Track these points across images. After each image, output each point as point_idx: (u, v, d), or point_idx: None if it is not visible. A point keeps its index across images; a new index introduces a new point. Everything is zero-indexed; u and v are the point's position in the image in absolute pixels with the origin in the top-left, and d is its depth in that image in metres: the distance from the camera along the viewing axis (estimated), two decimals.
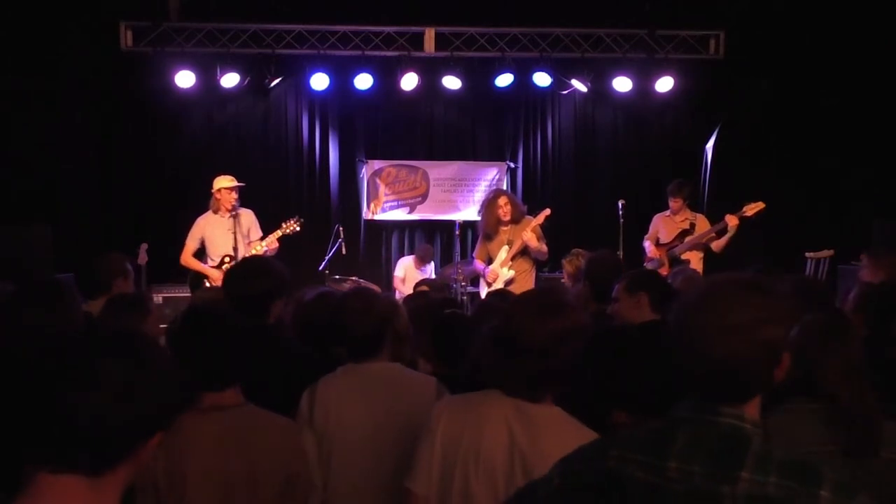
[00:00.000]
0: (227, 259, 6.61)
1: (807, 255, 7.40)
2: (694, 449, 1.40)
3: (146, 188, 8.53)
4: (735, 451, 1.38)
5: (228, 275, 3.51)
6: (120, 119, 8.55)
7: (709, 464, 1.38)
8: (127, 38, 8.39)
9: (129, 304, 3.49)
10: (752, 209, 6.69)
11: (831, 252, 7.28)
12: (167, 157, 8.70)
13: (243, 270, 3.44)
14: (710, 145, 8.97)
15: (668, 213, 7.14)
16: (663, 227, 7.11)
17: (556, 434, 1.96)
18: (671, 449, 1.42)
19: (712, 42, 8.85)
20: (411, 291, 6.50)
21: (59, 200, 7.87)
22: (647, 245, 7.15)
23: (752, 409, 1.44)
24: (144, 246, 6.87)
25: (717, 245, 6.86)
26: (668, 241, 7.02)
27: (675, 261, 6.86)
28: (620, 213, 7.26)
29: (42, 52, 7.71)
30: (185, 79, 8.33)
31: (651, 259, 7.05)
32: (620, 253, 6.86)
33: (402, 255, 9.07)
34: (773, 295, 1.44)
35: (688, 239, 6.94)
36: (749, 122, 8.65)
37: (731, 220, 6.68)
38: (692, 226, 6.98)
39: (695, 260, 6.89)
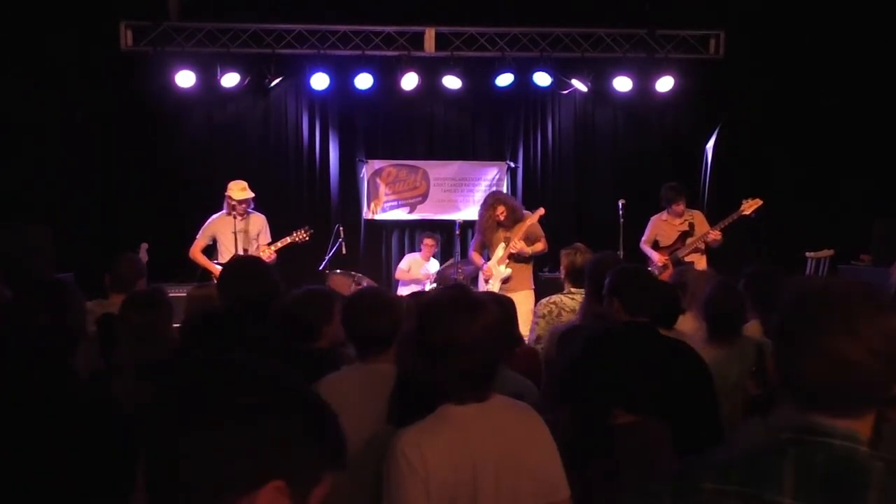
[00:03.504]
0: None
1: (807, 254, 7.41)
2: (809, 481, 1.22)
3: (146, 188, 8.51)
4: (854, 484, 1.21)
5: (225, 273, 3.49)
6: (120, 119, 8.54)
7: (828, 500, 1.21)
8: (127, 38, 8.39)
9: (151, 302, 3.38)
10: (750, 206, 6.60)
11: (831, 252, 7.29)
12: (167, 156, 8.69)
13: (240, 270, 3.42)
14: (710, 145, 8.97)
15: (664, 215, 7.04)
16: (662, 230, 7.02)
17: (522, 422, 2.07)
18: (781, 480, 1.23)
19: (712, 42, 8.85)
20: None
21: (59, 200, 7.87)
22: (649, 251, 7.04)
23: (867, 427, 1.28)
24: (145, 246, 6.88)
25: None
26: (669, 244, 6.96)
27: (678, 264, 6.80)
28: (620, 213, 7.25)
29: (42, 52, 7.71)
30: (185, 78, 8.33)
31: (656, 265, 6.98)
32: (621, 253, 6.84)
33: (402, 255, 9.07)
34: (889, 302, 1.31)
35: (689, 241, 6.89)
36: (749, 122, 8.65)
37: (714, 235, 6.69)
38: (691, 226, 6.91)
39: (698, 262, 6.82)
